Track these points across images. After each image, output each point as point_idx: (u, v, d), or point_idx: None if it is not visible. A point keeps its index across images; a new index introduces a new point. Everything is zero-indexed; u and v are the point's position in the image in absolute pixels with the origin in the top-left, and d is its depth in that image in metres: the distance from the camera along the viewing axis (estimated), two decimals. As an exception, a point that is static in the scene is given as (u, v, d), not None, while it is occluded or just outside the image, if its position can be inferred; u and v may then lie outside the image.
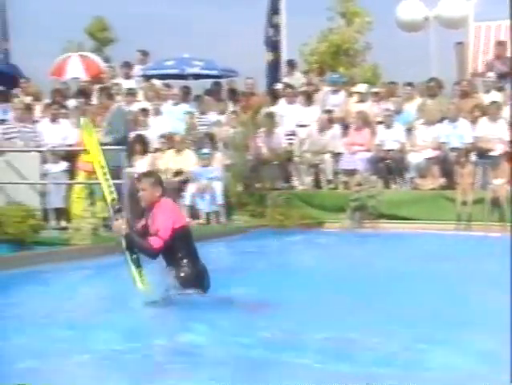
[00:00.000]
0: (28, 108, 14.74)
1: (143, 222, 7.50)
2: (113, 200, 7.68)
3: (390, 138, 14.38)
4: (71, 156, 13.62)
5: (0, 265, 9.42)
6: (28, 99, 15.87)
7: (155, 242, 7.16)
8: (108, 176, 7.79)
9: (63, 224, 12.66)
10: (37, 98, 16.23)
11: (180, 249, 7.31)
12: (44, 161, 13.20)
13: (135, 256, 7.37)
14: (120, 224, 7.35)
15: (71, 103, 15.70)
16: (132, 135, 13.72)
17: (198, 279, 7.38)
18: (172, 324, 6.96)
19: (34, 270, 9.31)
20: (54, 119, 14.38)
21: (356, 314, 6.75)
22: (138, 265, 7.38)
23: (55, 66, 19.14)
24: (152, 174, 8.17)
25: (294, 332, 6.28)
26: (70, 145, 13.92)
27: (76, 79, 18.02)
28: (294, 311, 6.99)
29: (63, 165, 13.41)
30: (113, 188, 7.79)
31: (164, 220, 7.27)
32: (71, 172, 13.37)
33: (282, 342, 6.09)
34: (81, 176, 12.62)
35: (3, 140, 13.83)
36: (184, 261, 7.31)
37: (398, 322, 6.39)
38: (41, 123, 14.55)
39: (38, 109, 15.48)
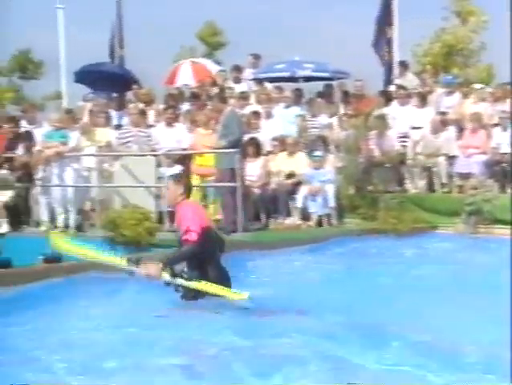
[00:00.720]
0: (142, 113, 15.02)
1: None
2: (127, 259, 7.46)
3: (506, 141, 14.01)
4: (185, 160, 13.84)
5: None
6: (142, 104, 16.18)
7: (189, 236, 7.03)
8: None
9: (178, 226, 12.82)
10: (150, 102, 16.51)
11: (208, 249, 7.22)
12: (159, 165, 13.46)
13: (186, 276, 7.21)
14: (149, 267, 7.18)
15: (185, 107, 15.97)
16: (246, 137, 13.81)
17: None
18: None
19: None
20: (169, 123, 14.61)
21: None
22: (203, 278, 7.20)
23: (169, 74, 19.51)
24: (177, 174, 8.01)
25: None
26: (184, 149, 14.15)
27: (186, 85, 18.35)
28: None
29: (178, 168, 13.62)
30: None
31: (192, 217, 7.18)
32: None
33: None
34: (195, 179, 12.83)
35: (119, 145, 14.13)
36: (212, 264, 7.27)
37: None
38: (156, 128, 14.80)
39: (151, 114, 15.76)
